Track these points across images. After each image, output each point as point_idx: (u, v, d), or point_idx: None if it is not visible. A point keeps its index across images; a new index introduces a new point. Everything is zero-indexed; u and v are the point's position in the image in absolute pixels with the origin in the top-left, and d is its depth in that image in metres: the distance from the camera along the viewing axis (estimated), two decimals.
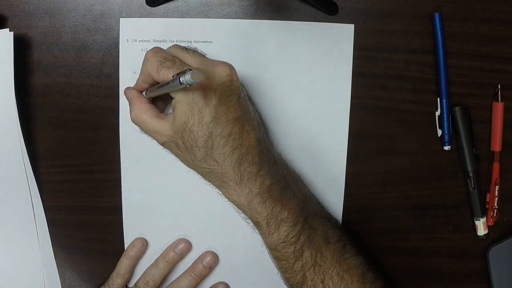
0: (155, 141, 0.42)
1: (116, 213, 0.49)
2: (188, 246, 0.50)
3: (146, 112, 0.42)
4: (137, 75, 0.47)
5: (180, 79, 0.33)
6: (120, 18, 0.47)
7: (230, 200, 0.41)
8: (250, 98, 0.45)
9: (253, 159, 0.39)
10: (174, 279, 0.50)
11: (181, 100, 0.38)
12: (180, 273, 0.50)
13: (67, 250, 0.50)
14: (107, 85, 0.48)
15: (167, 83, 0.37)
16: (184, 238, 0.50)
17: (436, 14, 0.47)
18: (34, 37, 0.47)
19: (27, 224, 0.48)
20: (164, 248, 0.50)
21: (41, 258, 0.50)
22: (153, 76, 0.40)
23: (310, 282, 0.41)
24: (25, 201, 0.48)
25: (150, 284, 0.49)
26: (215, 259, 0.50)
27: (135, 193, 0.49)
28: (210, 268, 0.50)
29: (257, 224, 0.41)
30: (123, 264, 0.49)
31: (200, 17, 0.47)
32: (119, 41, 0.47)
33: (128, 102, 0.44)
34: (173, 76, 0.37)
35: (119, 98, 0.48)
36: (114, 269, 0.49)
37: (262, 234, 0.42)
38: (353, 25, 0.47)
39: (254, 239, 0.49)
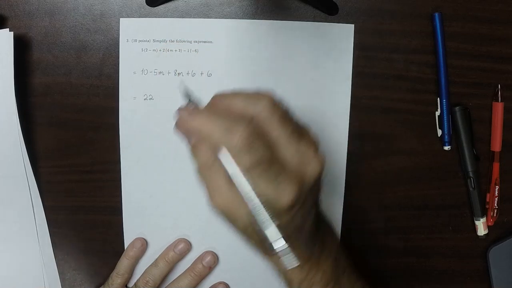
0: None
1: (116, 213, 0.49)
2: (188, 246, 0.50)
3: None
4: (137, 75, 0.47)
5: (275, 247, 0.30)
6: (120, 18, 0.47)
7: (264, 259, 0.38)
8: None
9: None
10: (174, 279, 0.50)
11: None
12: (180, 273, 0.50)
13: (67, 250, 0.50)
14: (107, 85, 0.48)
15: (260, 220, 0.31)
16: (184, 238, 0.50)
17: (436, 14, 0.47)
18: (34, 37, 0.47)
19: (27, 224, 0.48)
20: (164, 248, 0.50)
21: (41, 258, 0.49)
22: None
23: None
24: (25, 201, 0.48)
25: (149, 284, 0.49)
26: (215, 259, 0.50)
27: (135, 193, 0.49)
28: (210, 268, 0.50)
29: (288, 282, 0.39)
30: (123, 264, 0.49)
31: (200, 17, 0.47)
32: (119, 41, 0.47)
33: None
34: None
35: (119, 98, 0.48)
36: (114, 269, 0.50)
37: None
38: (353, 25, 0.47)
39: None
